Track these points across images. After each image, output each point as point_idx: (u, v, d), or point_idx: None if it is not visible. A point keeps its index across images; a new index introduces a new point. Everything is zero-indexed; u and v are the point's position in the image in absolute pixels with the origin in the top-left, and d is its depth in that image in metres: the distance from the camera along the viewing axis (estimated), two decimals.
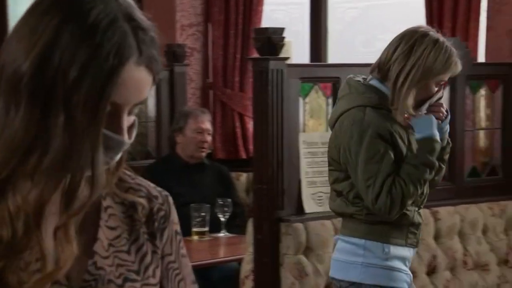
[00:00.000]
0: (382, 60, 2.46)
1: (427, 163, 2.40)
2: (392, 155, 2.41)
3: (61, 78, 0.91)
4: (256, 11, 4.76)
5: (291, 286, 2.95)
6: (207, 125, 4.40)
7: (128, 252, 1.02)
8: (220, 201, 4.02)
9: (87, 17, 0.92)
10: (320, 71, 3.23)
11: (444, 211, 3.33)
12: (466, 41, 3.67)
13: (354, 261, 2.46)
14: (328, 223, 3.04)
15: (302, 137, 3.06)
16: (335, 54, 4.84)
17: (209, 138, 4.40)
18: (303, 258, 2.97)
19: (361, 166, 2.40)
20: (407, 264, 2.52)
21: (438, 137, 2.44)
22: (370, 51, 5.29)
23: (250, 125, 4.91)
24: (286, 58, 3.05)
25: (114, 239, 1.01)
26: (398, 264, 2.48)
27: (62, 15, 0.92)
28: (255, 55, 3.18)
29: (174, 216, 1.10)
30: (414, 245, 2.52)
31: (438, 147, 2.44)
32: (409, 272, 2.53)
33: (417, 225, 2.51)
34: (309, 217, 3.03)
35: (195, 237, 3.90)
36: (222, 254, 3.87)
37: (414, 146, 2.46)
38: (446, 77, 2.46)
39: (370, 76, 2.49)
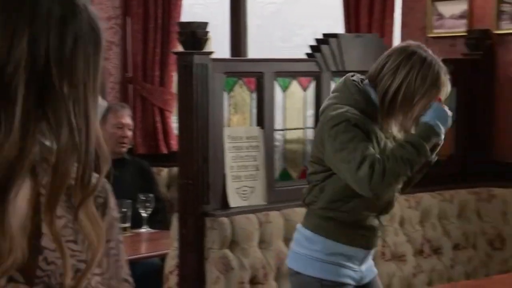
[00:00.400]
0: (371, 73, 2.49)
1: (415, 144, 2.37)
2: (368, 142, 2.38)
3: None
4: (176, 5, 4.74)
5: (216, 280, 2.97)
6: (127, 120, 4.36)
7: (75, 241, 1.01)
8: (142, 197, 3.99)
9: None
10: (244, 66, 3.25)
11: None
12: (382, 37, 3.76)
13: (299, 251, 2.51)
14: (252, 217, 3.06)
15: (227, 131, 3.08)
16: (254, 49, 4.88)
17: (129, 133, 4.36)
18: (228, 252, 2.99)
19: (340, 150, 2.38)
20: (357, 262, 2.53)
21: (440, 131, 2.42)
22: (289, 46, 5.37)
23: (171, 120, 4.90)
24: (211, 53, 3.06)
25: (61, 230, 1.00)
26: (342, 260, 2.50)
27: None
28: (177, 49, 3.17)
29: (113, 203, 1.10)
30: (364, 247, 2.52)
31: (434, 138, 2.41)
32: (359, 269, 2.54)
33: (369, 229, 2.51)
34: (234, 211, 3.05)
35: None
36: (144, 250, 3.84)
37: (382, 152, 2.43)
38: (432, 99, 2.43)
39: (366, 81, 2.49)
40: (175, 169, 4.80)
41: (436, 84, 2.43)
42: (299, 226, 2.57)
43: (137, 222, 3.95)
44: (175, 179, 4.80)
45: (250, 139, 3.13)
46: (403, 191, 2.66)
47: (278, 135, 3.30)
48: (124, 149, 4.36)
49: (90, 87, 0.97)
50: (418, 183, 3.79)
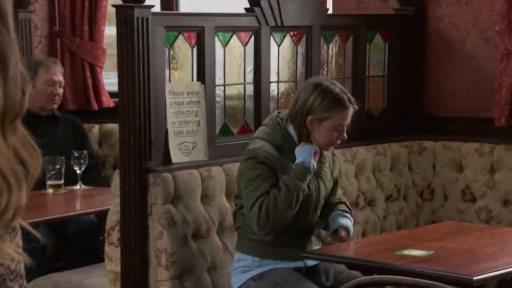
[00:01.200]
0: (290, 106, 2.91)
1: (290, 186, 2.73)
2: (275, 182, 2.77)
3: None
4: None
5: (160, 236, 2.98)
6: (59, 77, 4.26)
7: None
8: (76, 153, 3.93)
9: None
10: (184, 20, 3.22)
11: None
12: None
13: (235, 273, 2.91)
14: (195, 172, 3.08)
15: (168, 87, 3.06)
16: (186, 2, 4.83)
17: (60, 91, 4.26)
18: (171, 207, 2.99)
19: (245, 183, 2.79)
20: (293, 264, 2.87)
21: (310, 165, 2.75)
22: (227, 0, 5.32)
23: (101, 75, 4.81)
24: (152, 6, 3.01)
25: None
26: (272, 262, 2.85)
27: None
28: (118, 2, 3.12)
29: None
30: (295, 259, 2.85)
31: (307, 174, 2.76)
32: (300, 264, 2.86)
33: (297, 244, 2.85)
34: (177, 167, 3.05)
35: (50, 190, 3.81)
36: (79, 207, 3.80)
37: (314, 186, 2.85)
38: (338, 120, 2.82)
39: (288, 118, 2.87)
40: (106, 126, 4.75)
41: (325, 103, 2.81)
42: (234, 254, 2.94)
43: (70, 179, 3.90)
44: (106, 135, 4.74)
45: (191, 94, 3.13)
46: None
47: (218, 91, 3.30)
48: (55, 106, 4.27)
49: None
50: (354, 137, 3.91)
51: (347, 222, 2.90)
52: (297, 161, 2.77)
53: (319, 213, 2.95)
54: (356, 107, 2.90)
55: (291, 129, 2.85)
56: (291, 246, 2.85)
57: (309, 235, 2.92)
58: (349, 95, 2.89)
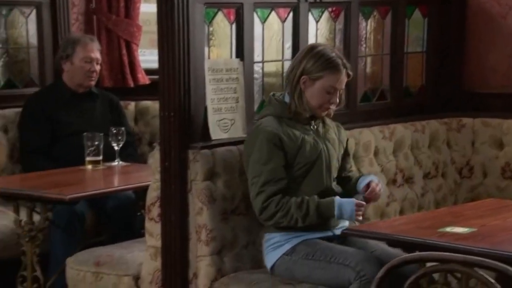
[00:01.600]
0: (287, 71, 2.96)
1: (310, 213, 2.80)
2: (281, 159, 2.83)
3: None
4: None
5: (199, 211, 2.99)
6: (96, 54, 4.28)
7: None
8: (114, 130, 3.96)
9: None
10: None
11: None
12: None
13: (267, 251, 2.94)
14: (234, 148, 3.08)
15: (207, 63, 3.06)
16: None
17: (98, 68, 4.29)
18: (211, 184, 3.01)
19: (250, 166, 2.85)
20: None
21: (335, 217, 2.83)
22: None
23: (137, 52, 4.83)
24: None
25: None
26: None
27: None
28: None
29: None
30: (323, 231, 2.88)
31: (329, 217, 2.84)
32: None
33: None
34: (216, 144, 3.06)
35: (89, 166, 3.85)
36: (117, 183, 3.84)
37: (308, 147, 2.87)
38: (330, 81, 2.85)
39: (285, 92, 2.94)
40: (142, 103, 4.77)
41: (318, 65, 2.85)
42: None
43: (108, 155, 3.93)
44: (142, 112, 4.77)
45: (230, 71, 3.12)
46: None
47: (256, 67, 3.30)
48: (93, 83, 4.30)
49: None
50: (392, 114, 3.88)
51: (374, 178, 2.95)
52: (337, 210, 2.79)
53: (335, 176, 2.96)
54: (351, 73, 2.93)
55: (287, 98, 2.93)
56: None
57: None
58: (345, 60, 2.91)
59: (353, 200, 2.80)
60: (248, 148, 2.90)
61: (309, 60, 2.86)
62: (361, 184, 2.93)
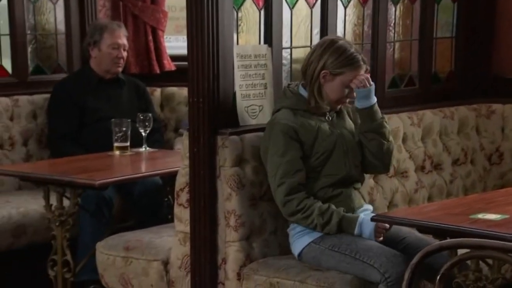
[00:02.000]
0: (303, 65, 2.94)
1: (331, 227, 2.83)
2: (298, 150, 2.85)
3: None
4: None
5: (228, 197, 3.00)
6: (123, 40, 4.29)
7: None
8: (141, 116, 3.97)
9: None
10: None
11: None
12: None
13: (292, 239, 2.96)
14: (262, 135, 3.07)
15: (236, 49, 3.05)
16: None
17: (125, 54, 4.30)
18: (239, 169, 3.01)
19: (268, 160, 2.88)
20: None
21: (358, 233, 2.83)
22: None
23: (163, 39, 4.83)
24: None
25: None
26: None
27: None
28: None
29: None
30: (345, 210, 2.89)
31: (349, 231, 2.84)
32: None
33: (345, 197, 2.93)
34: (244, 130, 3.06)
35: (117, 152, 3.86)
36: (144, 169, 3.85)
37: (325, 136, 2.88)
38: (350, 77, 2.86)
39: (300, 83, 2.96)
40: (168, 89, 4.78)
41: (339, 60, 2.86)
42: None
43: (135, 141, 3.94)
44: (168, 99, 4.78)
45: (258, 57, 3.12)
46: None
47: (285, 53, 3.28)
48: (120, 69, 4.31)
49: None
50: (420, 100, 3.85)
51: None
52: (357, 228, 2.82)
53: (359, 160, 2.96)
54: (369, 69, 2.96)
55: (302, 91, 2.94)
56: (339, 199, 2.89)
57: (352, 184, 2.95)
58: (363, 55, 2.94)
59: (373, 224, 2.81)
60: (265, 142, 2.92)
61: (330, 55, 2.86)
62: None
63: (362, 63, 2.88)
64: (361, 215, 2.85)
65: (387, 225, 2.80)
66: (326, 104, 2.92)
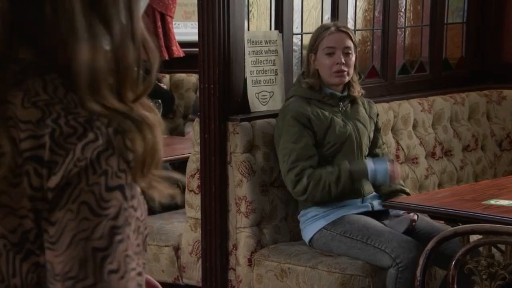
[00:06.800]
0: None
1: (343, 179, 2.83)
2: (310, 137, 2.85)
3: None
4: None
5: (239, 183, 3.00)
6: None
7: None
8: (150, 102, 3.96)
9: None
10: None
11: (380, 108, 3.43)
12: None
13: (302, 225, 2.98)
14: (273, 121, 3.07)
15: (246, 35, 3.04)
16: None
17: None
18: (250, 156, 3.01)
19: (281, 146, 2.89)
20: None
21: (370, 178, 2.87)
22: None
23: (172, 25, 4.82)
24: None
25: None
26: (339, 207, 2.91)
27: None
28: None
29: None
30: (356, 197, 2.92)
31: (362, 180, 2.87)
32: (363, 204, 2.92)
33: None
34: (255, 116, 3.06)
35: None
36: None
37: (338, 127, 2.88)
38: (326, 44, 2.89)
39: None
40: (177, 76, 4.77)
41: (320, 32, 2.93)
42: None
43: None
44: (177, 85, 4.77)
45: (269, 43, 3.11)
46: None
47: (295, 39, 3.27)
48: None
49: None
50: (430, 87, 3.83)
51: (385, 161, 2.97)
52: (370, 173, 2.84)
53: (366, 153, 2.98)
54: (344, 29, 2.94)
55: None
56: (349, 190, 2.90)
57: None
58: (340, 24, 2.97)
59: (386, 163, 2.86)
60: (278, 129, 2.92)
61: (311, 38, 2.97)
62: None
63: (332, 26, 2.93)
64: (369, 162, 2.89)
65: (416, 217, 2.80)
66: (327, 83, 2.92)
